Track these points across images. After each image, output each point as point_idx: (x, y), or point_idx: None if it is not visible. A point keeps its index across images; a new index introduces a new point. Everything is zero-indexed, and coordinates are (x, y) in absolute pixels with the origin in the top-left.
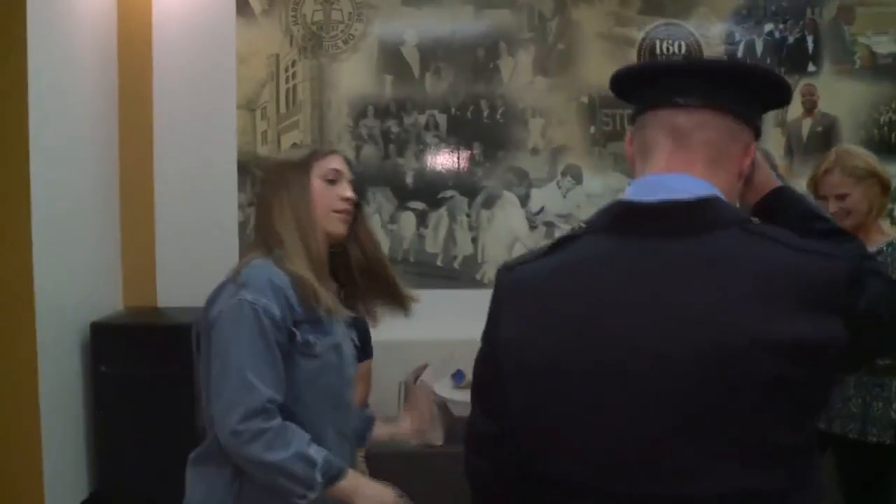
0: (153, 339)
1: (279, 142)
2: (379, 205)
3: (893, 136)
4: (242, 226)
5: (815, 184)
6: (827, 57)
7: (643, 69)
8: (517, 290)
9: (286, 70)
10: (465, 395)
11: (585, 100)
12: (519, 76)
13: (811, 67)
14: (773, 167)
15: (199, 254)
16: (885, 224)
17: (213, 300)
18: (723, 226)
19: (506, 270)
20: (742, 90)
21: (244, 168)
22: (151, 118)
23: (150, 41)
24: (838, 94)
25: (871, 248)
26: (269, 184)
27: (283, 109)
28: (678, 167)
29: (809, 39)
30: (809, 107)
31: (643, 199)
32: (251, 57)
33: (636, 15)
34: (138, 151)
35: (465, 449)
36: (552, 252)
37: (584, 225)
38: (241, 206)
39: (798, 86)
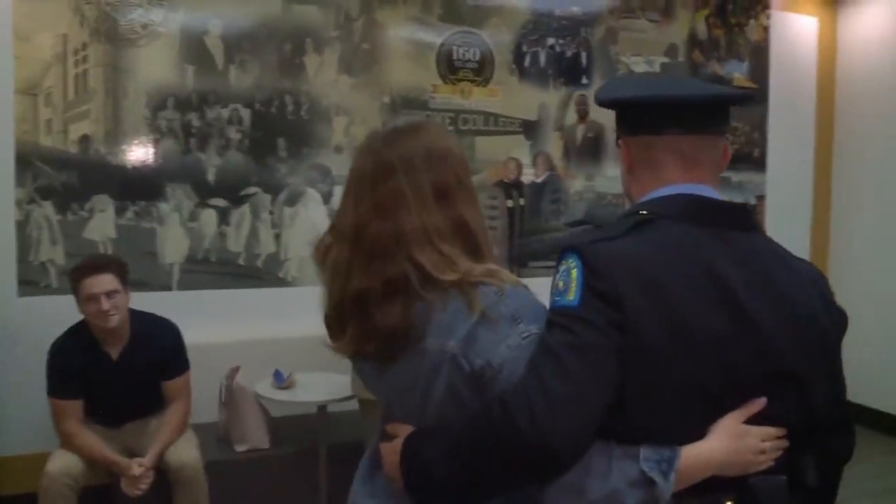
0: None
1: (66, 131)
2: (178, 202)
3: None
4: (21, 225)
5: None
6: (597, 71)
7: (661, 101)
8: (626, 263)
9: (76, 53)
10: (287, 395)
11: (388, 100)
12: (324, 73)
13: (584, 80)
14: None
15: None
16: None
17: None
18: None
19: (592, 244)
20: (728, 112)
21: (24, 160)
22: None
23: None
24: None
25: None
26: None
27: (70, 96)
28: (694, 181)
29: (583, 55)
30: (583, 115)
31: (709, 195)
32: (33, 35)
33: (436, 21)
34: None
35: (533, 410)
36: (635, 232)
37: (644, 211)
38: (18, 203)
39: (573, 96)
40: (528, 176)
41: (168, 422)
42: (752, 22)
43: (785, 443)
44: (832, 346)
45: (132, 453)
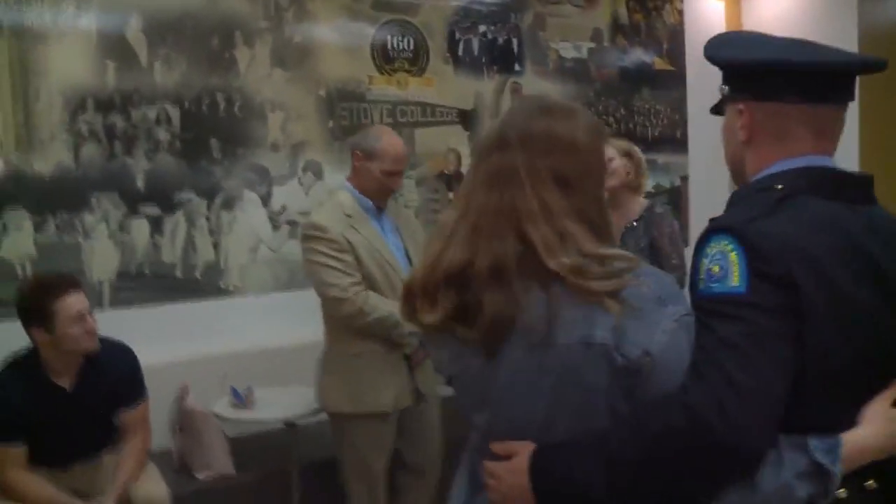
0: None
1: None
2: (105, 212)
3: None
4: None
5: None
6: (528, 58)
7: (817, 66)
8: (789, 243)
9: None
10: (251, 414)
11: (323, 93)
12: (256, 68)
13: (517, 67)
14: None
15: None
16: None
17: None
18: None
19: (748, 224)
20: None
21: None
22: None
23: None
24: (538, 91)
25: (631, 215)
26: None
27: None
28: (822, 152)
29: (514, 42)
30: None
31: (837, 167)
32: None
33: (369, 10)
34: None
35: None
36: (780, 209)
37: (779, 186)
38: None
39: (508, 83)
40: (467, 167)
41: (128, 457)
42: (667, 6)
43: None
44: None
45: (82, 497)
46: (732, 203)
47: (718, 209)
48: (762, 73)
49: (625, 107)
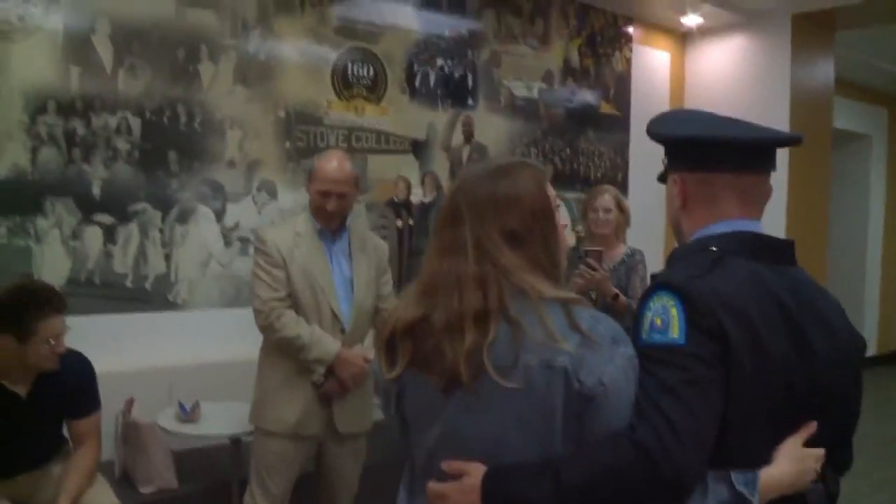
0: None
1: None
2: (59, 218)
3: None
4: None
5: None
6: (482, 94)
7: (735, 142)
8: (721, 299)
9: None
10: (195, 428)
11: (283, 114)
12: (219, 83)
13: (470, 101)
14: None
15: None
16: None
17: None
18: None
19: (689, 281)
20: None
21: None
22: None
23: None
24: (488, 127)
25: (616, 258)
26: None
27: None
28: (748, 216)
29: (470, 77)
30: (468, 136)
31: (763, 232)
32: None
33: (332, 34)
34: None
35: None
36: (714, 269)
37: (713, 248)
38: None
39: (461, 116)
40: (416, 195)
41: (77, 467)
42: (617, 54)
43: (822, 457)
44: (858, 370)
45: None
46: (673, 260)
47: (655, 248)
48: (691, 147)
49: (570, 147)
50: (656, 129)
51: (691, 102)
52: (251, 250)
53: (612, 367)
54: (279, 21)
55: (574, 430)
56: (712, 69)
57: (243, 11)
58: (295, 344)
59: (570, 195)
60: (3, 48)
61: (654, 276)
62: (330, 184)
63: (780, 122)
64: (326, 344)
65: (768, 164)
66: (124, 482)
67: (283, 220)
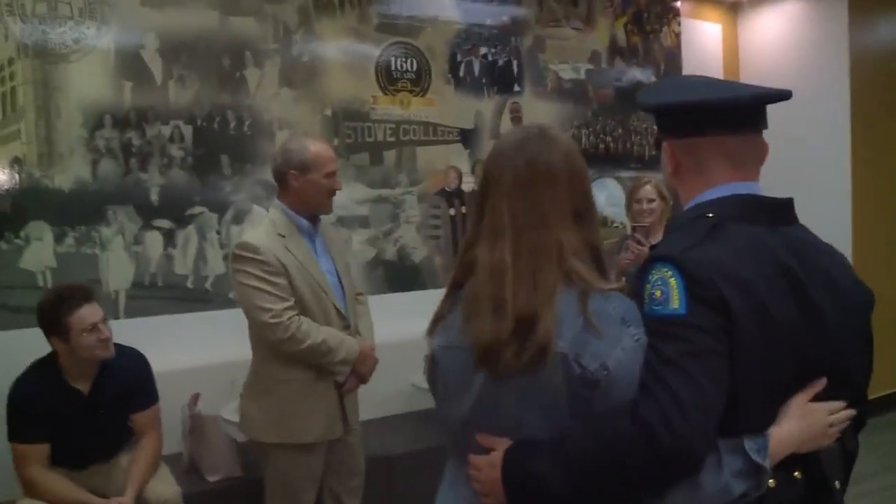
0: None
1: None
2: (121, 225)
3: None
4: None
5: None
6: (527, 79)
7: (709, 105)
8: (719, 268)
9: (2, 70)
10: None
11: (329, 112)
12: (265, 87)
13: (516, 87)
14: None
15: None
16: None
17: None
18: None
19: (684, 252)
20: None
21: None
22: None
23: None
24: (537, 111)
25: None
26: None
27: None
28: (741, 179)
29: (514, 64)
30: (517, 121)
31: (760, 193)
32: None
33: (373, 32)
34: None
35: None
36: (712, 237)
37: (710, 214)
38: None
39: (507, 103)
40: (467, 184)
41: (141, 457)
42: (665, 29)
43: (851, 413)
44: (869, 325)
45: (97, 496)
46: (670, 230)
47: None
48: (672, 114)
49: (622, 126)
50: (644, 100)
51: (746, 74)
52: (231, 253)
53: (618, 349)
54: (320, 22)
55: (584, 411)
56: (767, 38)
57: (284, 16)
58: (321, 349)
59: (625, 174)
60: (62, 69)
61: (652, 248)
62: (333, 162)
63: (840, 89)
64: (349, 343)
65: (756, 123)
66: (192, 471)
67: (255, 223)
